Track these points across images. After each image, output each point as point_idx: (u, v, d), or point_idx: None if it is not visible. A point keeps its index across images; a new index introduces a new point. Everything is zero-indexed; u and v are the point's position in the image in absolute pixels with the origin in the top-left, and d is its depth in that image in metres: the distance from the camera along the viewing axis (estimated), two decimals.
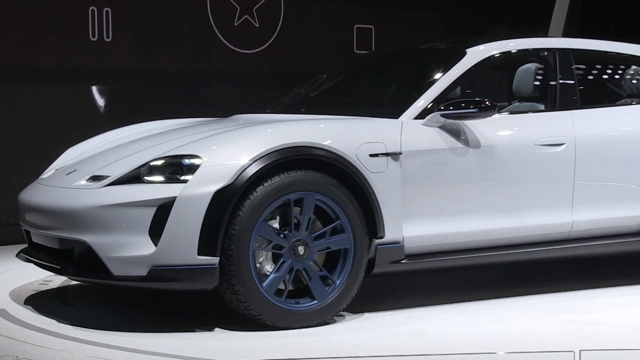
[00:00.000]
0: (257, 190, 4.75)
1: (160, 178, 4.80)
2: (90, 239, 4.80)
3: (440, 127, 5.35)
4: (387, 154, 5.12)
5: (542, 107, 5.87)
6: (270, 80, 9.37)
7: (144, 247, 4.68)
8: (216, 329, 4.91)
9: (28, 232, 5.43)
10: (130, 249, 4.70)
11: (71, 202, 4.95)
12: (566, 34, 9.80)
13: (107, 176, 4.96)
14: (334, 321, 5.04)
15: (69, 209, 4.93)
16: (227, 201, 4.68)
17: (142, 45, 8.77)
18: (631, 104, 6.16)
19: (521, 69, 5.98)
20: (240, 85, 9.27)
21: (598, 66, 6.26)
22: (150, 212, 4.69)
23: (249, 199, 4.74)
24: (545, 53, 5.99)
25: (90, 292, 5.96)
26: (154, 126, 6.11)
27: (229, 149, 4.84)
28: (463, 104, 5.31)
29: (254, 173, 4.73)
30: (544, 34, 9.95)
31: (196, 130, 5.47)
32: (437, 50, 6.17)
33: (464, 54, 5.73)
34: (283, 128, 5.11)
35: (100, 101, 8.64)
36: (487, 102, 5.30)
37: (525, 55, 6.03)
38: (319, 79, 6.64)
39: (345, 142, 5.01)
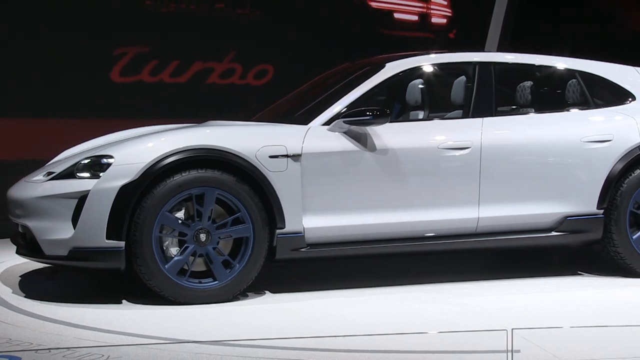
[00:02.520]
0: (159, 186, 5.60)
1: (87, 174, 5.71)
2: (31, 224, 5.78)
3: (345, 133, 6.03)
4: (287, 156, 5.85)
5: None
6: None
7: (66, 232, 5.62)
8: (124, 301, 5.82)
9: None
10: (56, 233, 5.65)
11: (23, 194, 5.94)
12: (500, 49, 10.25)
13: (54, 172, 5.92)
14: (237, 299, 5.83)
15: (21, 199, 5.92)
16: (131, 194, 5.56)
17: None
18: (546, 112, 6.65)
19: (455, 81, 6.59)
20: None
21: (520, 77, 6.76)
22: (74, 203, 5.63)
23: (152, 192, 5.59)
24: (464, 66, 6.56)
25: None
26: (138, 131, 6.97)
27: (138, 150, 5.70)
28: (360, 112, 5.98)
29: (156, 171, 5.59)
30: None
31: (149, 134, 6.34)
32: (366, 65, 6.77)
33: (383, 67, 6.39)
34: (189, 132, 5.93)
35: None
36: (380, 110, 5.95)
37: (443, 68, 6.66)
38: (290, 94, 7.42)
39: (246, 145, 5.79)
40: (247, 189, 5.77)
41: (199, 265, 5.79)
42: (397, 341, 4.89)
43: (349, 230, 6.04)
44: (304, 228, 5.91)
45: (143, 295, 5.80)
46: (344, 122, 6.01)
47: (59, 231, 5.64)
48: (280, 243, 5.88)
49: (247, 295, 5.94)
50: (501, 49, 10.16)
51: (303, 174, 5.88)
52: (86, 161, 5.77)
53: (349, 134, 6.04)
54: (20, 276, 6.74)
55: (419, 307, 5.71)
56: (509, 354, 4.48)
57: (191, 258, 5.72)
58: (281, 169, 5.83)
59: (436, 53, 6.71)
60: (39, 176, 6.03)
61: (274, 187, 5.81)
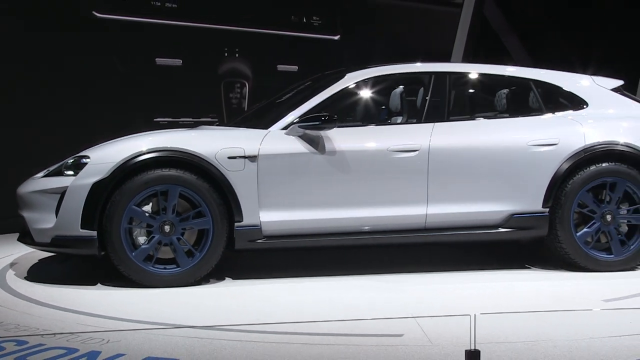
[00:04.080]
0: (127, 183, 6.41)
1: (71, 172, 6.56)
2: (25, 214, 6.69)
3: (301, 136, 6.71)
4: (244, 157, 6.58)
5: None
6: None
7: (50, 222, 6.48)
8: (98, 284, 6.66)
9: None
10: (43, 223, 6.53)
11: (24, 189, 6.83)
12: (465, 60, 10.68)
13: (49, 169, 6.80)
14: (199, 284, 6.58)
15: (21, 193, 6.81)
16: (102, 190, 6.39)
17: None
18: (499, 118, 7.19)
19: (420, 91, 7.19)
20: None
21: (476, 86, 7.31)
22: (57, 197, 6.49)
23: (121, 189, 6.41)
24: (421, 76, 7.17)
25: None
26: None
27: (110, 152, 6.52)
28: (313, 118, 6.66)
29: (125, 169, 6.40)
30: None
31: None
32: (330, 75, 7.43)
33: (343, 76, 7.05)
34: (157, 136, 6.71)
35: None
36: (329, 116, 6.61)
37: (401, 79, 7.26)
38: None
39: (206, 147, 6.54)
40: (207, 186, 6.51)
41: (167, 253, 6.57)
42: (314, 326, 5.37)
43: (302, 224, 6.70)
44: (260, 222, 6.62)
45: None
46: (299, 126, 6.70)
47: (44, 221, 6.51)
48: (239, 235, 6.61)
49: (209, 281, 6.68)
50: (466, 59, 10.68)
51: (259, 173, 6.59)
52: (71, 161, 6.63)
53: (303, 137, 6.71)
54: (28, 267, 7.52)
55: (361, 294, 6.34)
56: (472, 338, 4.74)
57: (158, 246, 6.51)
58: (239, 169, 6.56)
59: (396, 64, 7.30)
60: (40, 173, 6.92)
61: (232, 185, 6.54)
